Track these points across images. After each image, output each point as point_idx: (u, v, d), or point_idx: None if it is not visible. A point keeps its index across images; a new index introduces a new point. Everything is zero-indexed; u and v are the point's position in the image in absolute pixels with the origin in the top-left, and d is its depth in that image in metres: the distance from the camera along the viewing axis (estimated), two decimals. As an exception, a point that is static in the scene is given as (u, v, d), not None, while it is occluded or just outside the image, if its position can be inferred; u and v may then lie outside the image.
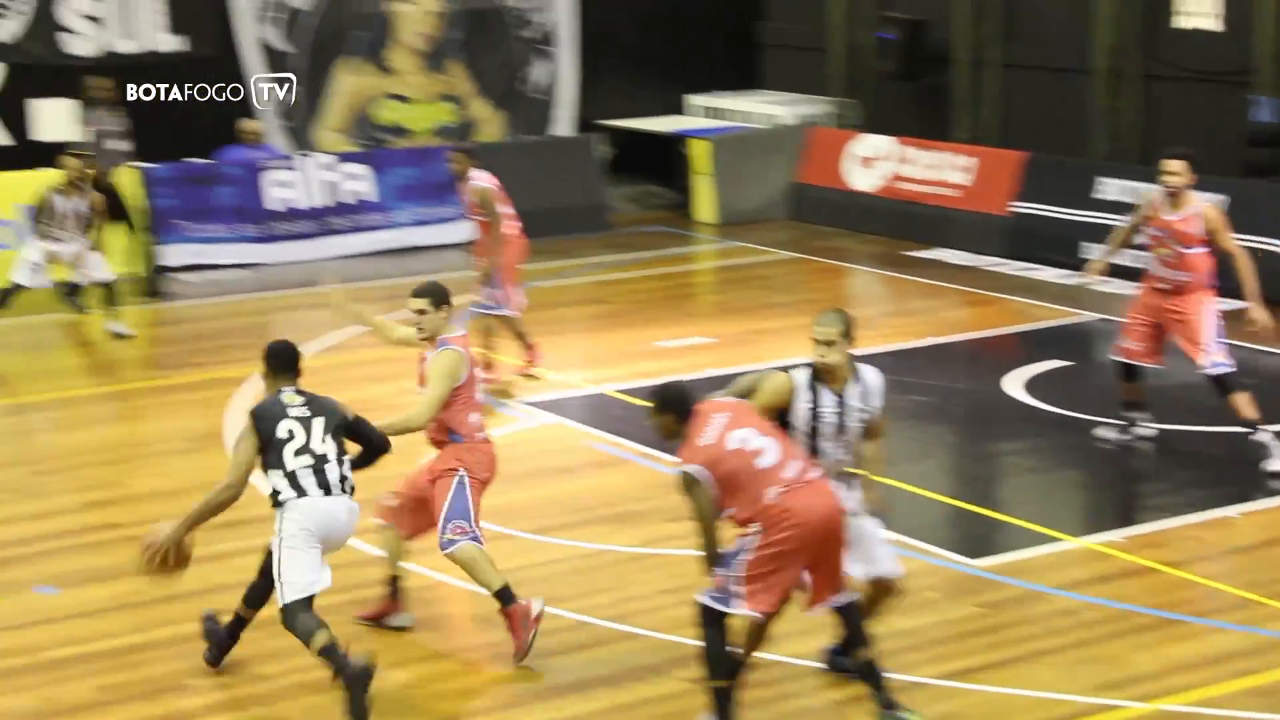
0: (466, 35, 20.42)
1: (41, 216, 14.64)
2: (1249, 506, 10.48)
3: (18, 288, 14.63)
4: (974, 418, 12.91)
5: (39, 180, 16.07)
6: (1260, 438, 11.02)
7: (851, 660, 7.81)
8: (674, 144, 21.13)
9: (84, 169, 14.81)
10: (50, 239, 14.65)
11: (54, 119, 18.09)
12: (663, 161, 21.44)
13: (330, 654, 7.78)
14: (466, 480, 8.69)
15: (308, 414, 8.19)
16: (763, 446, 7.48)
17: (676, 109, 22.13)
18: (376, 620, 8.97)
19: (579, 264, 18.10)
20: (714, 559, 7.62)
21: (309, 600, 7.95)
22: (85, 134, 16.68)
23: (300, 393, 8.29)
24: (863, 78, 21.13)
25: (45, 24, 17.91)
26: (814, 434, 7.73)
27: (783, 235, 19.51)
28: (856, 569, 7.85)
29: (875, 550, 7.93)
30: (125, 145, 16.83)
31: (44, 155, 17.50)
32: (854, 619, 7.67)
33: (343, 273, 17.46)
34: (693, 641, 7.84)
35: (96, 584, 9.36)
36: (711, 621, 7.55)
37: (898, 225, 19.24)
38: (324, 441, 8.18)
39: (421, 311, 8.65)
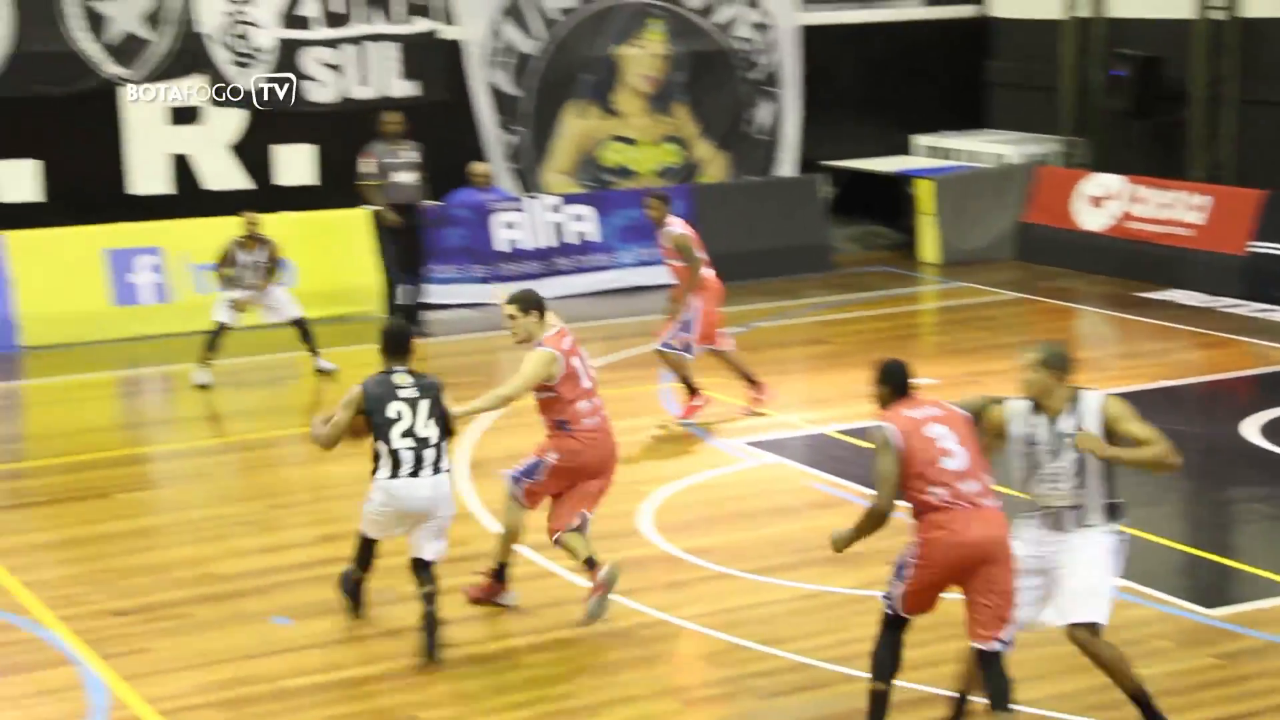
0: (691, 77, 20.58)
1: (223, 267, 15.07)
2: None
3: (223, 327, 15.09)
4: (1209, 463, 12.56)
5: (277, 223, 16.63)
6: None
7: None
8: (898, 184, 21.02)
9: (256, 223, 15.14)
10: (234, 288, 15.04)
11: (294, 164, 18.68)
12: (887, 202, 21.35)
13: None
14: (548, 462, 9.45)
15: (416, 396, 8.92)
16: (953, 450, 7.65)
17: (901, 149, 22.01)
18: (486, 599, 9.67)
19: (802, 304, 18.08)
20: (869, 525, 7.85)
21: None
22: (366, 166, 16.91)
23: (411, 373, 9.03)
24: (1093, 116, 20.78)
25: (289, 73, 18.50)
26: (1029, 461, 7.74)
27: (1008, 276, 19.25)
28: (1049, 615, 7.77)
29: (1074, 597, 7.72)
30: (412, 178, 16.97)
31: (284, 199, 18.14)
32: (994, 673, 7.53)
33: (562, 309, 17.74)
34: (913, 685, 7.76)
35: (328, 616, 9.60)
36: (889, 625, 7.75)
37: (1128, 266, 18.85)
38: (427, 425, 8.93)
39: (512, 317, 9.36)
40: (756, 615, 9.52)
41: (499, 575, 9.75)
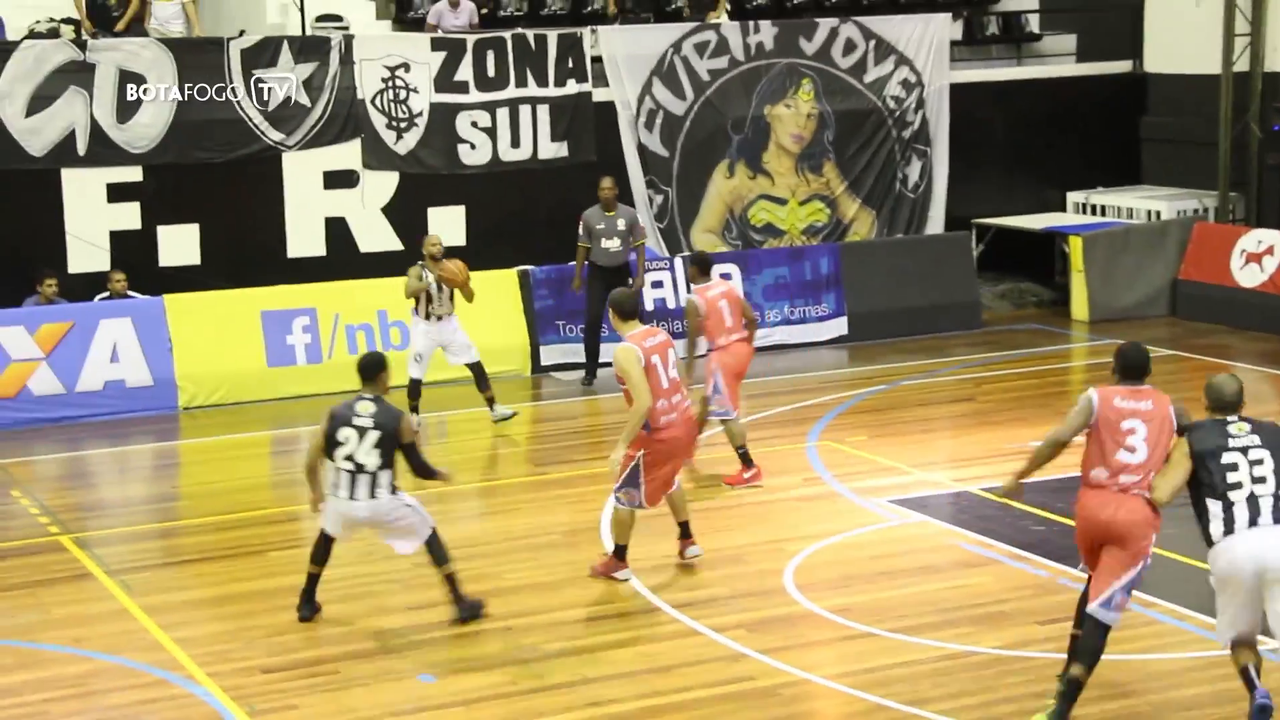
0: (841, 135, 20.61)
1: (418, 298, 15.39)
2: None
3: (416, 383, 15.38)
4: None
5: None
6: None
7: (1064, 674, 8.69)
8: (1049, 241, 20.84)
9: (438, 244, 15.57)
10: (433, 318, 15.37)
11: (445, 225, 19.01)
12: (1037, 259, 21.16)
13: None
14: (641, 463, 10.75)
15: (368, 426, 9.92)
16: (1135, 444, 8.51)
17: (1052, 205, 21.82)
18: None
19: (950, 361, 17.96)
20: (1047, 451, 8.71)
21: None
22: (581, 227, 17.13)
23: (377, 401, 10.06)
24: (1251, 171, 20.45)
25: (443, 136, 18.85)
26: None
27: (1161, 333, 18.96)
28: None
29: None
30: (616, 244, 17.14)
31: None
32: (1091, 635, 8.57)
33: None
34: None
35: (471, 673, 9.71)
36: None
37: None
38: (369, 453, 9.92)
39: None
40: (900, 675, 9.46)
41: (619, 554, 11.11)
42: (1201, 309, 19.36)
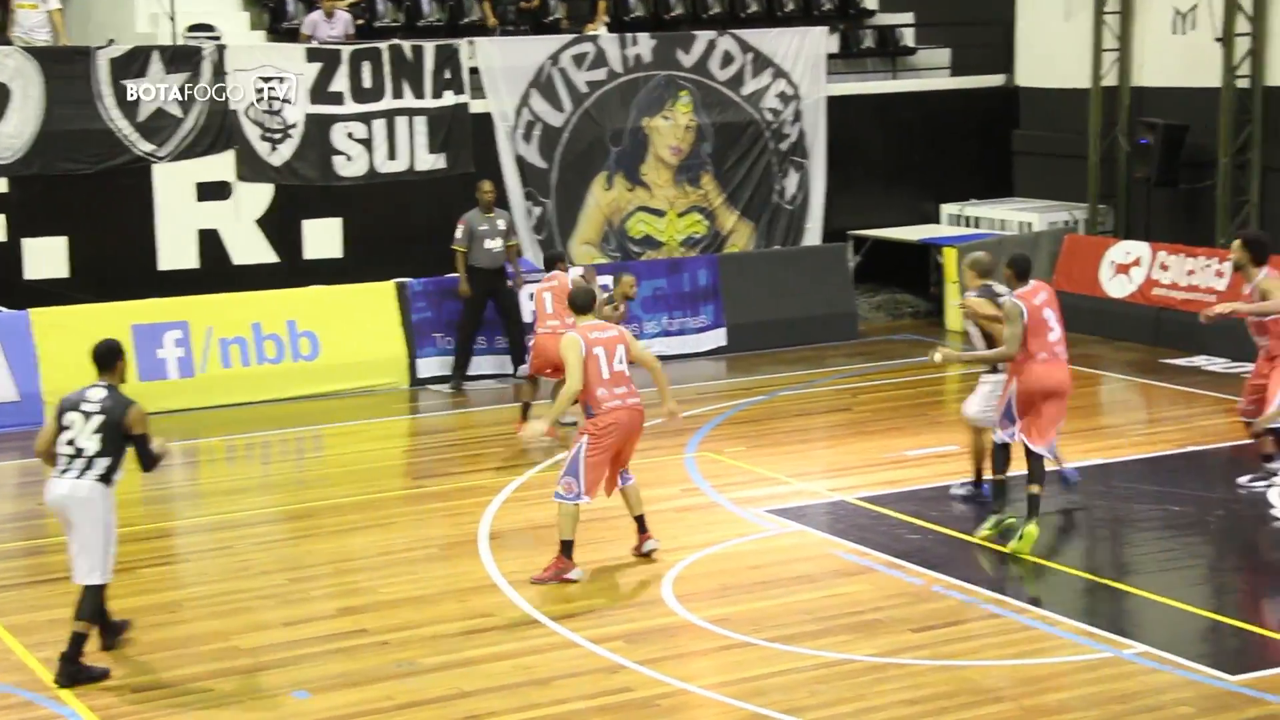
0: (719, 148, 20.69)
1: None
2: None
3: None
4: (1232, 528, 12.48)
5: (308, 297, 16.74)
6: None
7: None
8: (925, 252, 21.07)
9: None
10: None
11: (321, 238, 18.83)
12: (913, 270, 21.39)
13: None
14: (582, 450, 11.16)
15: (94, 411, 9.81)
16: (1054, 324, 11.79)
17: (928, 217, 22.07)
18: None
19: (827, 372, 18.07)
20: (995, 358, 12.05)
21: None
22: (459, 231, 17.36)
23: (107, 388, 9.92)
24: (1119, 184, 20.82)
25: (319, 147, 18.67)
26: None
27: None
28: None
29: None
30: (499, 245, 17.47)
31: (312, 273, 18.26)
32: (1039, 463, 11.70)
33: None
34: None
35: (348, 689, 9.59)
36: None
37: (1154, 332, 18.86)
38: (90, 438, 9.80)
39: None
40: (777, 684, 9.48)
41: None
42: (1072, 319, 19.29)
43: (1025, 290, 11.74)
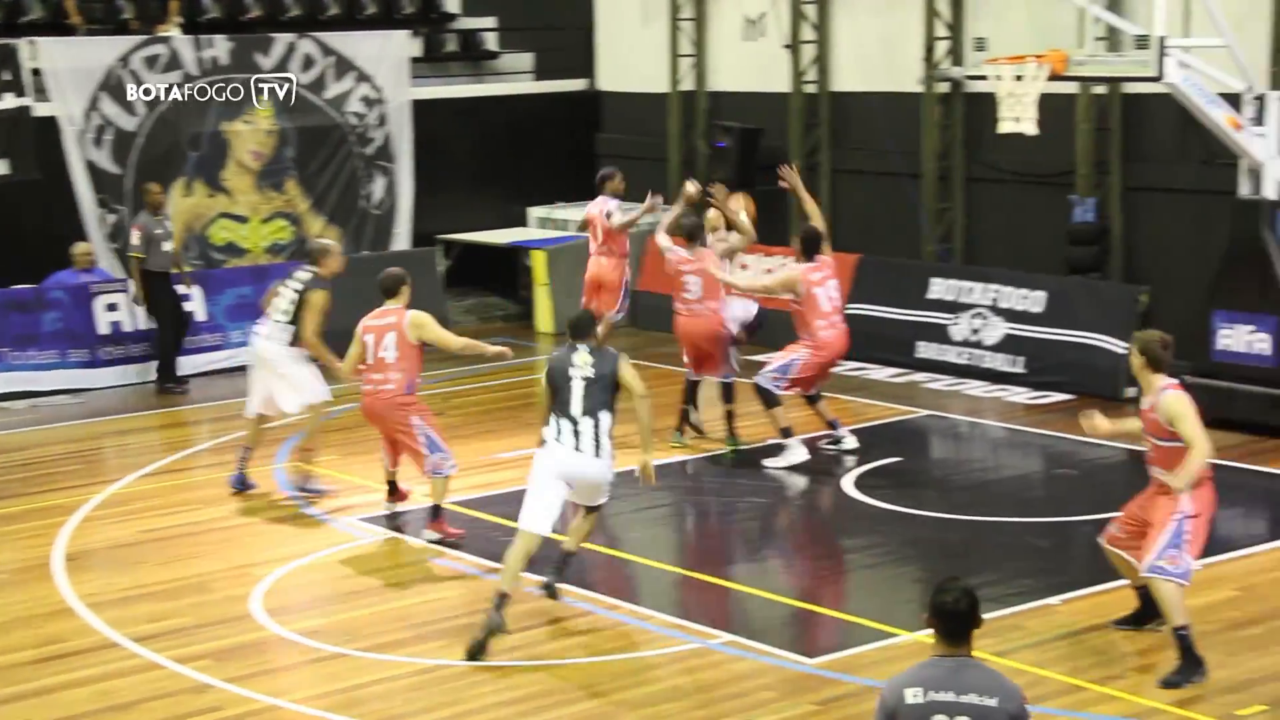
0: (303, 152, 20.38)
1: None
2: (1070, 594, 10.63)
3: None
4: (811, 516, 12.98)
5: None
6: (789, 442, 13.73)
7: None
8: (514, 255, 21.22)
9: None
10: None
11: None
12: (502, 273, 21.52)
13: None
14: (421, 422, 12.11)
15: (590, 375, 10.04)
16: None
17: (516, 220, 22.24)
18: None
19: (421, 376, 17.93)
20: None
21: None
22: (136, 236, 17.22)
23: (593, 353, 10.17)
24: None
25: None
26: None
27: (622, 343, 19.50)
28: None
29: None
30: (170, 247, 17.48)
31: None
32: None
33: (185, 392, 17.28)
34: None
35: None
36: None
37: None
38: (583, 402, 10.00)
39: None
40: (373, 693, 9.37)
41: None
42: (656, 319, 20.01)
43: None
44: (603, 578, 11.39)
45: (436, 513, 12.12)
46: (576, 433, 9.99)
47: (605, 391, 10.05)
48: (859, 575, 11.70)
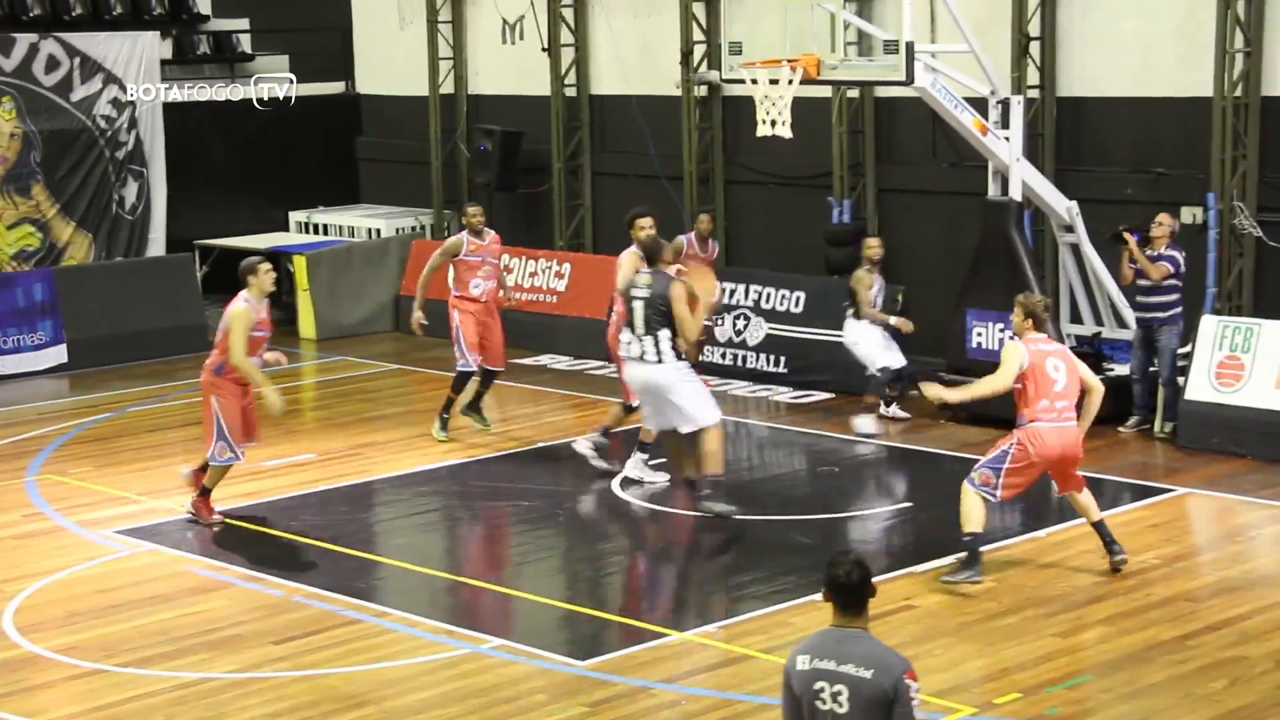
0: (49, 155, 19.76)
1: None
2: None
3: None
4: (582, 520, 13.02)
5: None
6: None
7: None
8: (274, 260, 20.81)
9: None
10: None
11: None
12: (262, 279, 21.14)
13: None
14: (217, 405, 12.35)
15: (645, 295, 12.02)
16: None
17: (276, 224, 21.90)
18: None
19: (179, 385, 17.56)
20: None
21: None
22: None
23: (653, 275, 12.14)
24: (461, 189, 21.33)
25: None
26: None
27: (386, 348, 19.44)
28: None
29: None
30: None
31: None
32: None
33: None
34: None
35: None
36: None
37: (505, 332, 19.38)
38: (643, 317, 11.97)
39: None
40: (132, 710, 9.12)
41: None
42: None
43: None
44: (370, 585, 11.26)
45: (205, 493, 12.48)
46: (641, 345, 11.99)
47: (658, 311, 11.93)
48: (627, 577, 11.76)
